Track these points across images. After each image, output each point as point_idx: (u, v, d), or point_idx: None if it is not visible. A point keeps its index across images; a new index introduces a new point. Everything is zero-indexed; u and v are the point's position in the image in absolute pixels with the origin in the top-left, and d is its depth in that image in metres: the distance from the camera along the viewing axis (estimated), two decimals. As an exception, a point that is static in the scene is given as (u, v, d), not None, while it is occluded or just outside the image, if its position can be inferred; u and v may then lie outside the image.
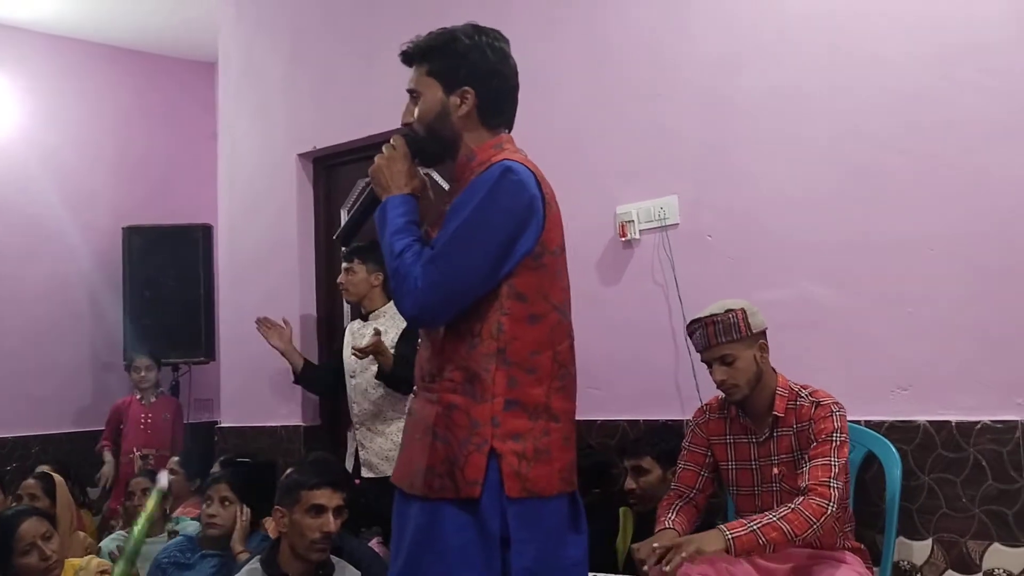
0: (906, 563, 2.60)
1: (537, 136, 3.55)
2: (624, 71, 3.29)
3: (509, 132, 1.86)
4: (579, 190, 3.30)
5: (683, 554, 2.11)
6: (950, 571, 2.53)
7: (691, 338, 2.48)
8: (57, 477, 3.79)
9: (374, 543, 3.34)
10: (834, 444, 2.31)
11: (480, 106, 1.79)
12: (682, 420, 3.00)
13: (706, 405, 2.62)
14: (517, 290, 1.69)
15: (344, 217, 4.42)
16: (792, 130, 2.90)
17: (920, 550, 2.58)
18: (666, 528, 2.40)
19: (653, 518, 2.78)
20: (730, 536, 2.15)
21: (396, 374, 3.39)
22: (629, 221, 3.18)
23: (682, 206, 3.11)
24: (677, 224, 3.11)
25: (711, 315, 2.40)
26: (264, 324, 3.92)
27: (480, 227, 1.66)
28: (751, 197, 2.98)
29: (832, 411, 2.36)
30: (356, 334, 3.62)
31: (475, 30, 1.81)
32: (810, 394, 2.41)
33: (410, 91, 1.84)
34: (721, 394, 2.51)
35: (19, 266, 5.22)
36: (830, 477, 2.26)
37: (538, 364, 1.70)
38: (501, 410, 1.67)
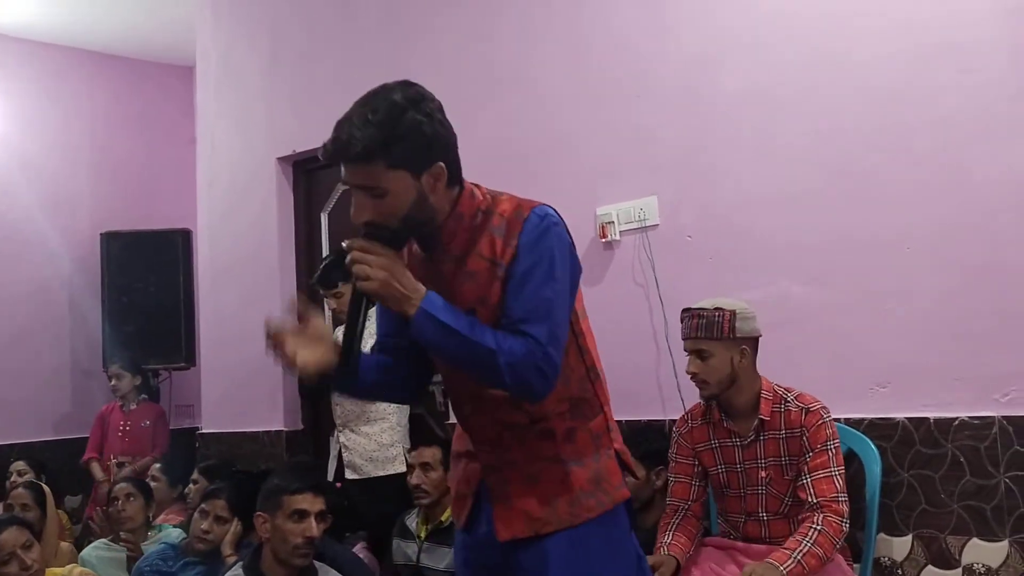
0: (887, 559, 2.61)
1: (519, 137, 3.60)
2: (604, 71, 3.30)
3: None
4: (560, 191, 3.29)
5: None
6: (930, 567, 2.55)
7: (680, 323, 2.51)
8: (45, 487, 3.77)
9: (359, 548, 3.33)
10: (831, 453, 2.35)
11: (449, 172, 1.63)
12: (664, 420, 3.02)
13: (688, 413, 2.62)
14: (576, 310, 1.73)
15: (325, 220, 4.42)
16: (771, 129, 2.92)
17: (900, 546, 2.60)
18: (663, 555, 2.40)
19: (635, 520, 2.79)
20: (784, 570, 2.18)
21: None
22: (609, 222, 3.19)
23: (662, 207, 3.12)
24: (657, 225, 3.12)
25: (700, 308, 2.43)
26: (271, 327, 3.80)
27: (564, 280, 1.63)
28: (731, 197, 2.99)
29: (823, 417, 2.38)
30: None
31: (415, 99, 1.58)
32: (796, 398, 2.43)
33: (366, 188, 1.56)
34: (701, 401, 2.53)
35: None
36: (837, 492, 2.31)
37: (600, 365, 1.79)
38: (611, 416, 1.78)
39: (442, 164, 1.60)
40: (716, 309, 2.40)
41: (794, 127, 2.87)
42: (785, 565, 2.19)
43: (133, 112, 5.81)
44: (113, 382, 4.89)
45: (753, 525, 2.46)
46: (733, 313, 2.40)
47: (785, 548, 2.26)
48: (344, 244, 1.60)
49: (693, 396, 2.63)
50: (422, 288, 1.58)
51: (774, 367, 2.52)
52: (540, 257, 1.61)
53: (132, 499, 3.57)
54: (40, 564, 2.72)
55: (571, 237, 1.70)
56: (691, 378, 2.47)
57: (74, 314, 5.47)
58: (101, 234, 5.31)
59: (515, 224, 1.63)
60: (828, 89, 2.81)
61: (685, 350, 2.49)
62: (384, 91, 1.60)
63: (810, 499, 2.31)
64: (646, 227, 3.13)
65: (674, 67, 3.14)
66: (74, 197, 5.52)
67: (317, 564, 2.67)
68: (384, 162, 1.54)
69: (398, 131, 1.55)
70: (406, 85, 1.62)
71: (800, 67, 2.87)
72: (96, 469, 4.77)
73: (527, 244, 1.61)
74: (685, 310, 2.48)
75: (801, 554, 2.22)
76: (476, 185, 1.71)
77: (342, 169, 1.59)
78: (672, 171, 3.12)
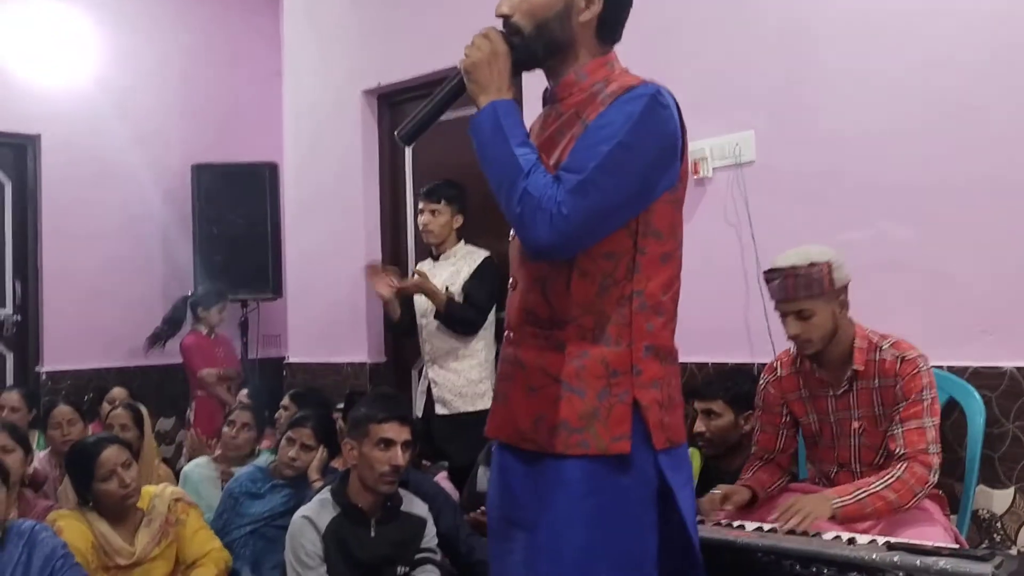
0: (985, 512, 2.53)
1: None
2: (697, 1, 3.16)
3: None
4: (650, 126, 3.21)
5: (793, 522, 2.03)
6: (1031, 521, 2.46)
7: (768, 284, 2.36)
8: (143, 408, 3.92)
9: (440, 477, 3.38)
10: (925, 404, 2.23)
11: (603, 15, 1.58)
12: (752, 364, 2.95)
13: (776, 361, 2.53)
14: (654, 227, 1.56)
15: (409, 154, 4.40)
16: (877, 61, 2.77)
17: (1001, 499, 2.51)
18: (737, 486, 2.37)
19: (722, 463, 2.76)
20: (838, 504, 2.10)
21: (452, 314, 3.40)
22: (702, 158, 3.09)
23: (758, 142, 3.00)
24: (752, 162, 3.01)
25: (793, 266, 2.26)
26: (372, 270, 3.86)
27: (632, 154, 1.47)
28: (831, 133, 2.86)
29: (919, 367, 2.25)
30: (427, 274, 3.60)
31: None
32: (892, 346, 2.30)
33: None
34: (791, 347, 2.44)
35: (93, 203, 5.32)
36: (927, 443, 2.20)
37: (666, 306, 1.60)
38: (641, 357, 1.55)
39: None
40: (811, 264, 2.24)
41: (902, 57, 2.72)
42: (841, 500, 2.10)
43: (221, 46, 5.85)
44: (208, 314, 5.05)
45: (846, 476, 2.38)
46: (829, 265, 2.25)
47: (851, 485, 2.18)
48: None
49: (783, 340, 2.56)
50: (504, 92, 1.54)
51: (872, 312, 2.42)
52: (617, 117, 1.49)
53: (247, 429, 3.69)
54: (138, 482, 2.82)
55: (681, 133, 1.57)
56: (791, 339, 2.34)
57: (164, 244, 5.61)
58: (191, 166, 5.41)
59: (619, 93, 1.54)
60: (941, 13, 2.63)
61: (779, 311, 2.34)
62: None
63: (899, 450, 2.22)
64: (741, 164, 3.03)
65: (776, -4, 3.00)
66: (165, 131, 5.61)
67: (402, 491, 2.72)
68: None
69: None
70: None
71: (911, -7, 2.70)
72: (210, 374, 4.92)
73: (614, 105, 1.51)
74: (773, 270, 2.31)
75: (866, 493, 2.12)
76: (622, 66, 1.65)
77: None
78: (770, 105, 2.99)
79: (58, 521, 2.69)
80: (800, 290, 2.25)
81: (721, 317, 3.06)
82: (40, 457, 3.87)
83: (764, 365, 2.62)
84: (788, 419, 2.49)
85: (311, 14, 4.73)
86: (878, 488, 2.14)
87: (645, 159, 1.50)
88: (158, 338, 5.20)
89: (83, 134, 5.30)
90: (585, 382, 1.53)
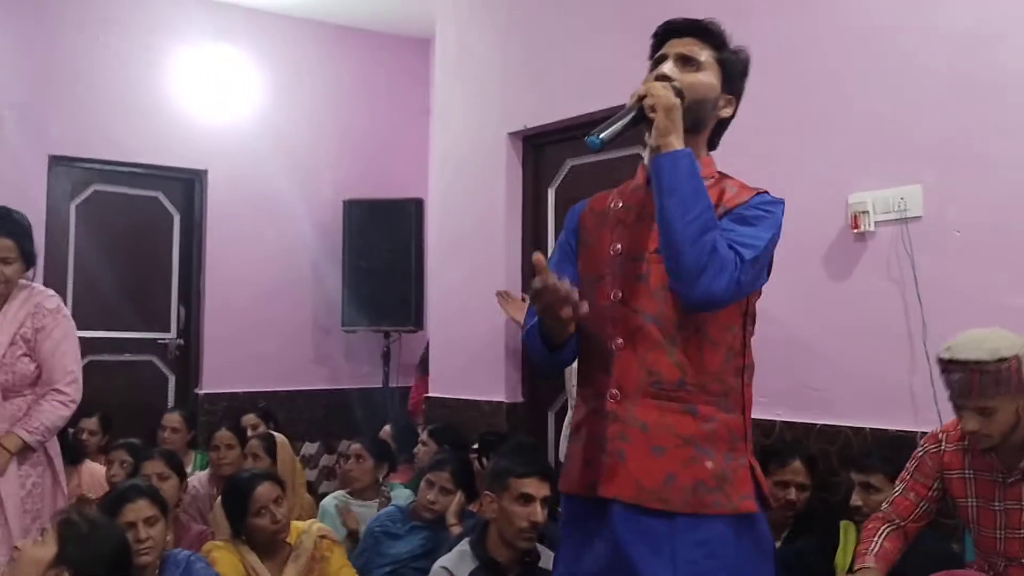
0: None
1: (764, 115, 3.37)
2: (862, 45, 3.02)
3: None
4: (807, 175, 3.10)
5: None
6: None
7: (945, 376, 2.14)
8: (280, 437, 4.07)
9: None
10: None
11: (728, 119, 1.79)
12: (915, 432, 2.76)
13: (942, 432, 2.33)
14: (753, 310, 1.75)
15: (552, 196, 4.41)
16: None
17: None
18: (867, 567, 2.20)
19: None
20: None
21: None
22: (863, 212, 2.93)
23: (926, 197, 2.83)
24: (920, 217, 2.84)
25: (979, 362, 2.03)
26: (504, 297, 3.86)
27: (772, 250, 1.68)
28: (1006, 189, 2.67)
29: None
30: None
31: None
32: None
33: (686, 57, 1.71)
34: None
35: (252, 235, 5.60)
36: None
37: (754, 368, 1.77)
38: (750, 425, 1.71)
39: (734, 102, 1.76)
40: (999, 360, 2.02)
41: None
42: None
43: (373, 84, 6.06)
44: None
45: (1017, 571, 2.16)
46: (1019, 360, 2.03)
47: None
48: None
49: (951, 411, 2.38)
50: (682, 143, 1.62)
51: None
52: (767, 214, 1.66)
53: (361, 460, 3.77)
54: (287, 518, 2.92)
55: None
56: (966, 434, 2.16)
57: (316, 276, 5.84)
58: (344, 201, 5.62)
59: (748, 190, 1.72)
60: None
61: (957, 405, 2.13)
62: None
63: None
64: (906, 219, 2.85)
65: (942, 42, 2.83)
66: (318, 166, 5.85)
67: (540, 547, 2.69)
68: (712, 44, 1.73)
69: (737, 48, 1.77)
70: None
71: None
72: None
73: (758, 203, 1.67)
74: (953, 362, 2.08)
75: None
76: None
77: (662, 46, 1.75)
78: (939, 157, 2.81)
79: (213, 552, 2.81)
80: (986, 389, 2.04)
81: (881, 380, 2.88)
82: (199, 477, 4.08)
83: (927, 434, 2.44)
84: (936, 494, 2.30)
85: (461, 56, 4.83)
86: None
87: (769, 256, 1.69)
88: None
89: (245, 169, 5.61)
90: (715, 445, 1.64)
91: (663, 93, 1.62)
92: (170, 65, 5.43)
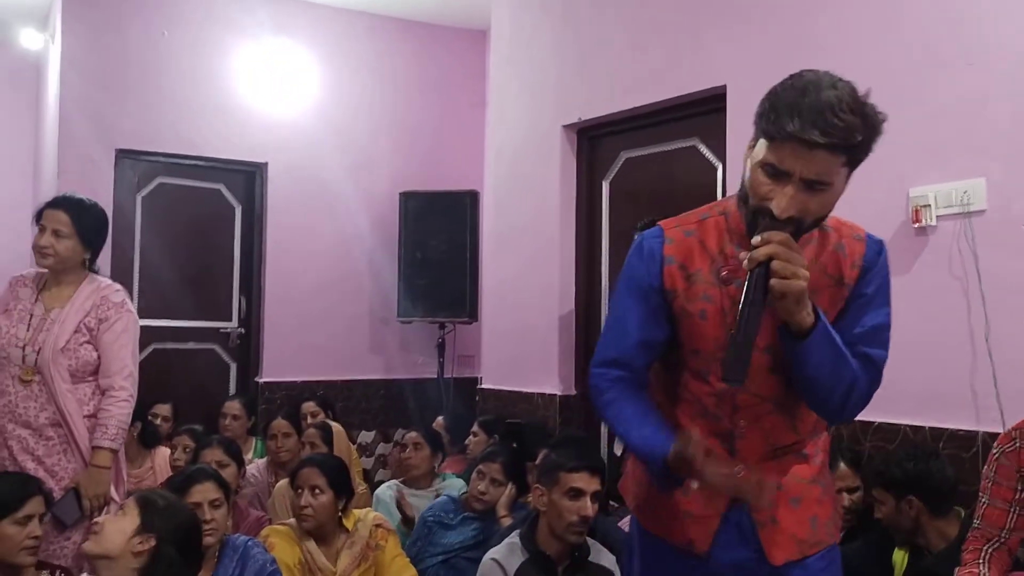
0: None
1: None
2: (924, 35, 2.94)
3: None
4: (867, 168, 2.96)
5: None
6: None
7: None
8: (336, 425, 4.14)
9: (624, 523, 3.33)
10: None
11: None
12: (976, 431, 2.69)
13: (1015, 430, 2.28)
14: None
15: (606, 189, 4.39)
16: None
17: None
18: None
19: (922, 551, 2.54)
20: None
21: None
22: (925, 205, 2.86)
23: (991, 190, 2.75)
24: (984, 211, 2.76)
25: None
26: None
27: (890, 309, 1.69)
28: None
29: None
30: None
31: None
32: None
33: (817, 181, 1.46)
34: None
35: (311, 227, 5.70)
36: None
37: None
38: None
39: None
40: None
41: None
42: None
43: (429, 76, 6.10)
44: None
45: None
46: None
47: None
48: (744, 258, 1.48)
49: (1015, 409, 2.32)
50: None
51: None
52: (883, 282, 1.66)
53: (419, 448, 3.81)
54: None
55: None
56: None
57: (372, 267, 5.91)
58: (400, 193, 5.67)
59: (856, 245, 1.65)
60: None
61: None
62: (844, 82, 1.49)
63: None
64: (970, 212, 2.78)
65: (1010, 29, 2.73)
66: (374, 158, 5.92)
67: (590, 541, 2.69)
68: (845, 158, 1.45)
69: (870, 135, 1.46)
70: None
71: None
72: None
73: (869, 268, 1.64)
74: None
75: None
76: None
77: (784, 152, 1.44)
78: (1005, 150, 2.73)
79: (270, 537, 2.87)
80: None
81: (941, 378, 2.81)
82: (257, 464, 4.18)
83: (988, 434, 2.38)
84: (1022, 495, 2.24)
85: (516, 49, 4.83)
86: None
87: None
88: None
89: (304, 162, 5.70)
90: (825, 477, 1.77)
91: (791, 279, 1.44)
92: (231, 60, 5.54)
